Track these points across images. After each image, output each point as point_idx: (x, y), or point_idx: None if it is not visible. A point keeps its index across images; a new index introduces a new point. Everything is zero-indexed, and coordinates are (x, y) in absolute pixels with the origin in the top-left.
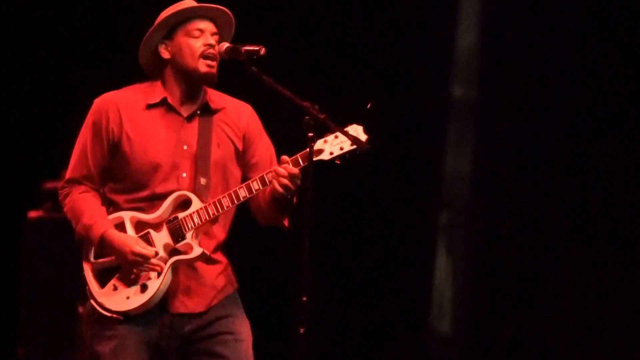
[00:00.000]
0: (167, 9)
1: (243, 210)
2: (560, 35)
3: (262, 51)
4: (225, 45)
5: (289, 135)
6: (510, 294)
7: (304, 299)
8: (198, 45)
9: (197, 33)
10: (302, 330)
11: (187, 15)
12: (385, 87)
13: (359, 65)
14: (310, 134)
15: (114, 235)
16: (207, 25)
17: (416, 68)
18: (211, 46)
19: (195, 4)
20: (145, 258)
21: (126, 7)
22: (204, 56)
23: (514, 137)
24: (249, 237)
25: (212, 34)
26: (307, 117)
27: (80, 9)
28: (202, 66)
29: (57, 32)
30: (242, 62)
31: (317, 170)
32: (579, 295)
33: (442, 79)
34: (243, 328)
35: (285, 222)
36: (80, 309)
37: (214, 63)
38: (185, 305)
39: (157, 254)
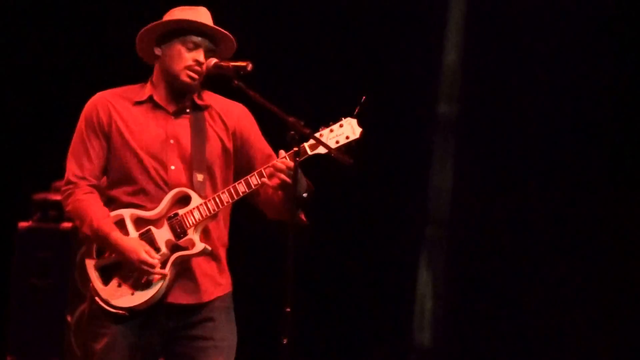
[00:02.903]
0: (179, 8)
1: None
2: (540, 52)
3: (249, 67)
4: (213, 61)
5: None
6: (490, 307)
7: (288, 309)
8: (188, 57)
9: (191, 45)
10: (285, 341)
11: (189, 26)
12: (373, 103)
13: (348, 83)
14: (296, 149)
15: (120, 239)
16: (203, 42)
17: (403, 86)
18: (199, 63)
19: (205, 16)
20: (151, 266)
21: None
22: (189, 68)
23: (495, 153)
24: (232, 249)
25: (207, 51)
26: (292, 132)
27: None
28: (184, 76)
29: (48, 45)
30: (229, 77)
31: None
32: (558, 307)
33: (427, 96)
34: (226, 334)
35: (303, 217)
36: (69, 318)
37: (196, 76)
38: (174, 296)
39: (159, 250)
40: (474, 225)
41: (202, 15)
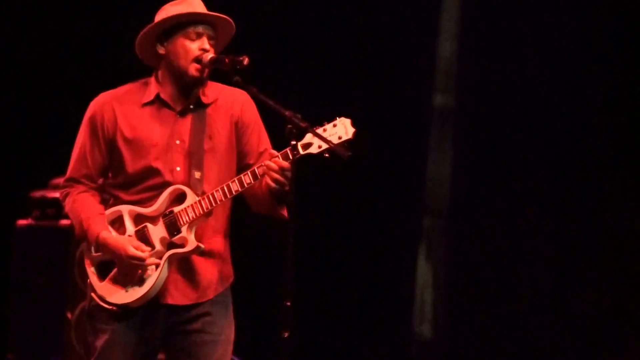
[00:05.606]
0: (170, 3)
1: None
2: (536, 42)
3: (246, 61)
4: (210, 55)
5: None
6: (490, 298)
7: (288, 303)
8: (194, 48)
9: (194, 36)
10: (286, 334)
11: (188, 19)
12: (369, 95)
13: (344, 75)
14: (293, 142)
15: (108, 237)
16: (206, 30)
17: (399, 77)
18: (206, 51)
19: (199, 5)
20: (140, 260)
21: (116, 18)
22: (197, 60)
23: (492, 142)
24: (232, 242)
25: (210, 39)
26: (290, 126)
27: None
28: (192, 69)
29: (47, 43)
30: (226, 72)
31: (302, 171)
32: (557, 298)
33: (423, 87)
34: (224, 329)
35: (284, 212)
36: (69, 315)
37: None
38: (173, 297)
39: (153, 247)
40: (473, 215)
41: (196, 4)
